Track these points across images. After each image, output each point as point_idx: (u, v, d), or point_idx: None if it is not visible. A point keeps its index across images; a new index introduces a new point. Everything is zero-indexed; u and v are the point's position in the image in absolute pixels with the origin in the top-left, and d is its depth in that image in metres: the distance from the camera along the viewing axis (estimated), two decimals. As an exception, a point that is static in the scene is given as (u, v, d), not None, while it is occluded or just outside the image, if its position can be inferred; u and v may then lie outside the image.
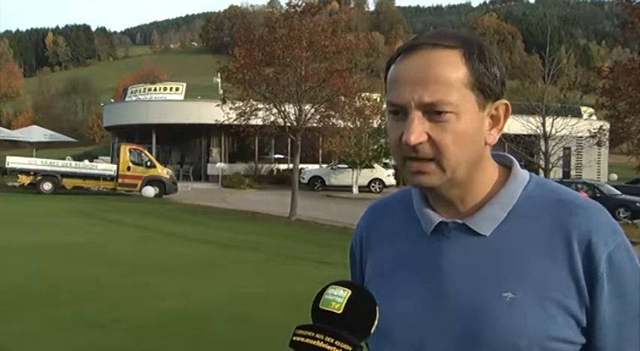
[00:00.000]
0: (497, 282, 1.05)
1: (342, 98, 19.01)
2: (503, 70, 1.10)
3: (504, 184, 1.12)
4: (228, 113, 19.21)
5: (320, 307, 0.99)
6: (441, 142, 1.03)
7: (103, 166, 26.01)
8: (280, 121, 18.63)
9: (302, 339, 0.96)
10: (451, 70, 1.03)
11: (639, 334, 1.06)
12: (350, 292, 0.99)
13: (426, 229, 1.13)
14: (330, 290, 1.00)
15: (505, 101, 1.11)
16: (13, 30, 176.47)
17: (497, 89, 1.08)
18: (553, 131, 22.67)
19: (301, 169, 25.50)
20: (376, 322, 1.00)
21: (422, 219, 1.14)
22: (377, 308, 1.01)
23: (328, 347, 0.94)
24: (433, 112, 1.03)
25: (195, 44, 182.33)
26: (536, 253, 1.06)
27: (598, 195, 21.42)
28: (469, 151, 1.06)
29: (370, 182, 29.56)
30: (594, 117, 31.88)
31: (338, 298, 0.98)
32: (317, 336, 0.95)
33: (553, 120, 22.66)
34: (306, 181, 29.34)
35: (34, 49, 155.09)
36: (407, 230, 1.17)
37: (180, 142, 37.72)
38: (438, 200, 1.13)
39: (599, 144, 23.43)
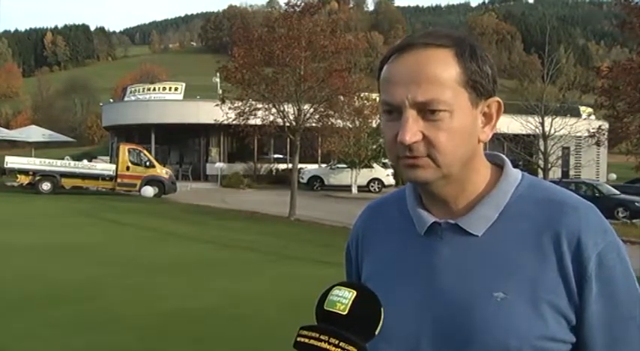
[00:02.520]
0: (488, 282, 1.06)
1: (341, 98, 19.03)
2: (495, 69, 1.11)
3: (496, 183, 1.13)
4: (227, 113, 19.21)
5: (325, 308, 0.99)
6: (435, 140, 1.04)
7: (102, 166, 26.01)
8: (279, 120, 18.63)
9: (306, 340, 0.96)
10: (443, 68, 1.04)
11: (629, 333, 1.06)
12: (355, 293, 0.99)
13: (420, 230, 1.14)
14: (335, 291, 1.00)
15: (497, 99, 1.11)
16: (12, 30, 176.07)
17: (489, 87, 1.09)
18: (552, 131, 22.64)
19: (300, 168, 25.48)
20: (381, 324, 1.00)
21: (415, 219, 1.15)
22: (382, 309, 1.01)
23: (332, 348, 0.94)
24: (427, 111, 1.04)
25: (194, 44, 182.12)
26: (527, 253, 1.06)
27: (597, 195, 21.44)
28: (463, 149, 1.07)
29: (369, 182, 29.55)
30: (593, 117, 31.86)
31: (343, 299, 0.98)
32: (321, 337, 0.95)
33: (552, 120, 22.63)
34: (305, 180, 29.34)
35: (32, 49, 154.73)
36: (401, 230, 1.18)
37: (179, 142, 37.68)
38: (432, 200, 1.14)
39: (598, 144, 23.42)
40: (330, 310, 0.98)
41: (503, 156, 1.19)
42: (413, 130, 1.03)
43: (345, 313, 0.97)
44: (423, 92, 1.03)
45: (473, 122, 1.08)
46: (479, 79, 1.07)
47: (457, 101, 1.05)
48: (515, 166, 1.17)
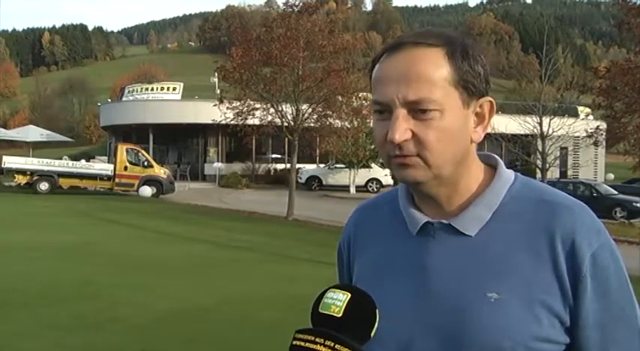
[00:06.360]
0: (482, 282, 1.06)
1: (340, 98, 19.01)
2: (487, 69, 1.11)
3: (489, 184, 1.13)
4: (225, 113, 19.21)
5: (320, 310, 0.98)
6: (425, 139, 1.04)
7: (100, 166, 26.00)
8: (277, 120, 18.64)
9: (302, 343, 0.96)
10: (434, 68, 1.04)
11: (623, 334, 1.06)
12: (349, 295, 0.99)
13: (412, 230, 1.13)
14: (330, 294, 1.00)
15: (489, 99, 1.11)
16: (10, 29, 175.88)
17: (481, 87, 1.09)
18: (550, 131, 22.65)
19: (298, 168, 25.48)
20: (376, 326, 1.00)
21: (408, 219, 1.15)
22: (377, 311, 1.01)
23: None
24: (417, 110, 1.04)
25: (193, 44, 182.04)
26: (521, 253, 1.06)
27: (595, 195, 21.48)
28: (454, 148, 1.07)
29: (367, 182, 29.55)
30: (591, 117, 31.87)
31: (337, 301, 0.98)
32: (317, 340, 0.95)
33: (550, 120, 22.63)
34: (303, 180, 29.33)
35: (30, 48, 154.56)
36: (393, 231, 1.17)
37: (178, 142, 37.68)
38: (424, 200, 1.14)
39: (595, 144, 23.41)
40: (325, 312, 0.98)
41: (497, 157, 1.19)
42: (402, 128, 1.03)
43: (339, 315, 0.97)
44: (413, 91, 1.03)
45: (464, 122, 1.07)
46: (470, 79, 1.06)
47: (448, 101, 1.04)
48: (513, 166, 1.17)
